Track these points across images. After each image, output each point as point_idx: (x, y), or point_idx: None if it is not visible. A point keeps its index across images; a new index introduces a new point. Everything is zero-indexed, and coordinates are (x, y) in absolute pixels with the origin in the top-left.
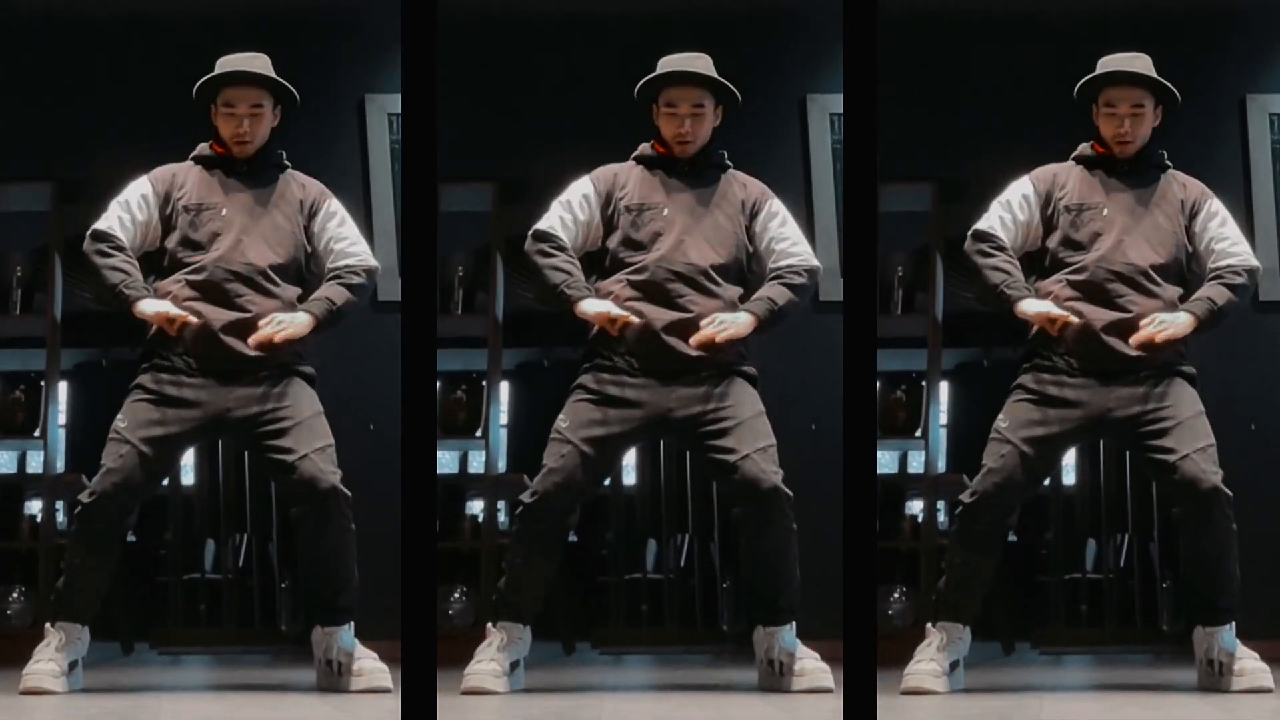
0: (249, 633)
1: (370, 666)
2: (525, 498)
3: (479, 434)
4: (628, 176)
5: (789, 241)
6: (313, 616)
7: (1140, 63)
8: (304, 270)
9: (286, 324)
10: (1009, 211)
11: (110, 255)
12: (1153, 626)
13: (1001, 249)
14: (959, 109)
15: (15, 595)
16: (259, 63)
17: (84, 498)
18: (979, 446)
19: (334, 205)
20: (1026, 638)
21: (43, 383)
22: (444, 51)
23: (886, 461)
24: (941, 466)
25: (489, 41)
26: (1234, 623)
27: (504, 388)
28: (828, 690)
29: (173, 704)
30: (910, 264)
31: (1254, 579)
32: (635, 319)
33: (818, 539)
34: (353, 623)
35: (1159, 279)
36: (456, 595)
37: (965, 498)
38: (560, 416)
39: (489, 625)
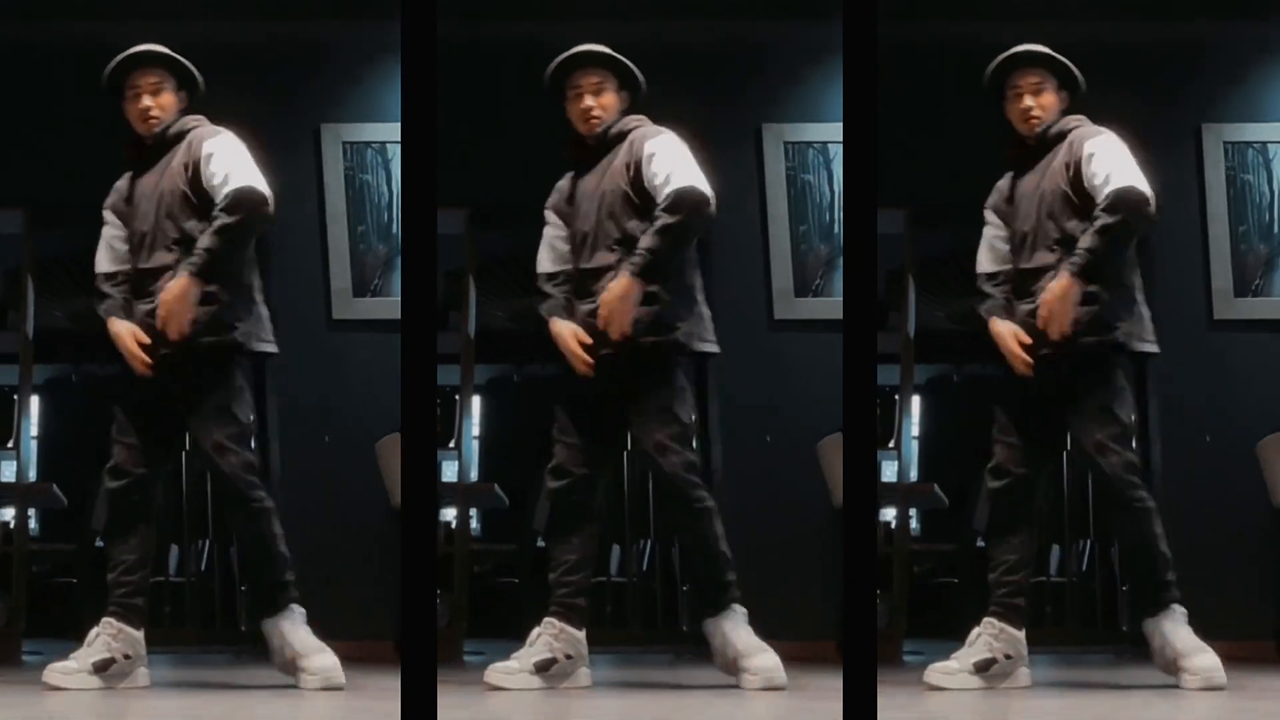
0: (211, 633)
1: (320, 664)
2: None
3: (452, 445)
4: (563, 186)
5: (658, 178)
6: (251, 610)
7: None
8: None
9: (167, 299)
10: (991, 239)
11: (103, 288)
12: (1113, 627)
13: (993, 277)
14: (931, 137)
15: None
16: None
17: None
18: (949, 456)
19: (210, 146)
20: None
21: (15, 396)
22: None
23: None
24: (914, 475)
25: (460, 70)
26: (1175, 609)
27: (476, 401)
28: (780, 688)
29: (139, 701)
30: (884, 284)
31: (1210, 582)
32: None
33: (771, 543)
34: (296, 611)
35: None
36: None
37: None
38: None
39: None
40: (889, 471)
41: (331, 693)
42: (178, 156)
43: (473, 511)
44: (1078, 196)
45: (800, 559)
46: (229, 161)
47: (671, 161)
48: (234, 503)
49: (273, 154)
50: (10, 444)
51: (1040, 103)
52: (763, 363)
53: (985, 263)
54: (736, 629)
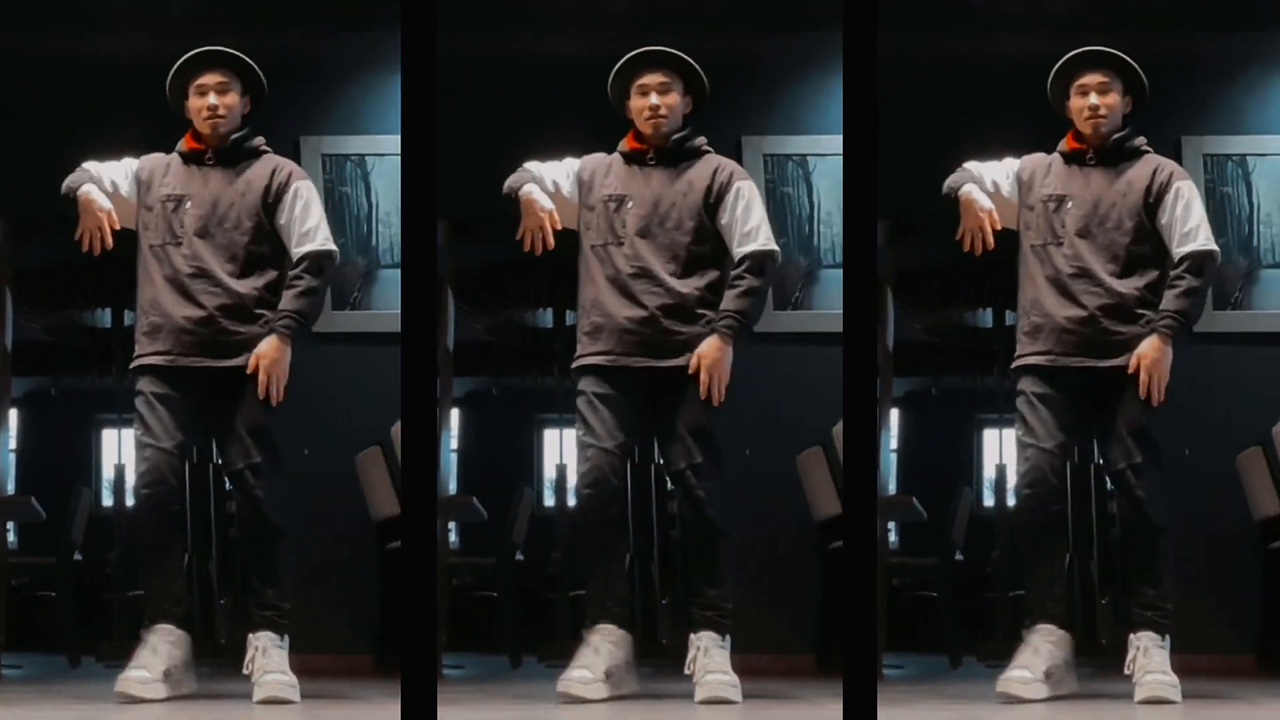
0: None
1: (275, 680)
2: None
3: None
4: (610, 166)
5: (744, 226)
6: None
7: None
8: (272, 254)
9: (266, 363)
10: (987, 179)
11: (90, 170)
12: (1092, 640)
13: (968, 172)
14: (912, 151)
15: None
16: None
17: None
18: (927, 468)
19: (302, 188)
20: (973, 652)
21: None
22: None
23: None
24: (892, 488)
25: (442, 82)
26: (1161, 636)
27: (454, 414)
28: (730, 702)
29: (119, 714)
30: None
31: (1190, 596)
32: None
33: (751, 557)
34: (278, 635)
35: (1115, 275)
36: None
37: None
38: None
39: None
40: None
41: (285, 705)
42: (258, 176)
43: (451, 525)
44: (1151, 223)
45: (780, 573)
46: (315, 214)
47: (759, 216)
48: (261, 525)
49: None
50: None
51: (1106, 102)
52: (742, 376)
53: (971, 169)
54: (710, 650)
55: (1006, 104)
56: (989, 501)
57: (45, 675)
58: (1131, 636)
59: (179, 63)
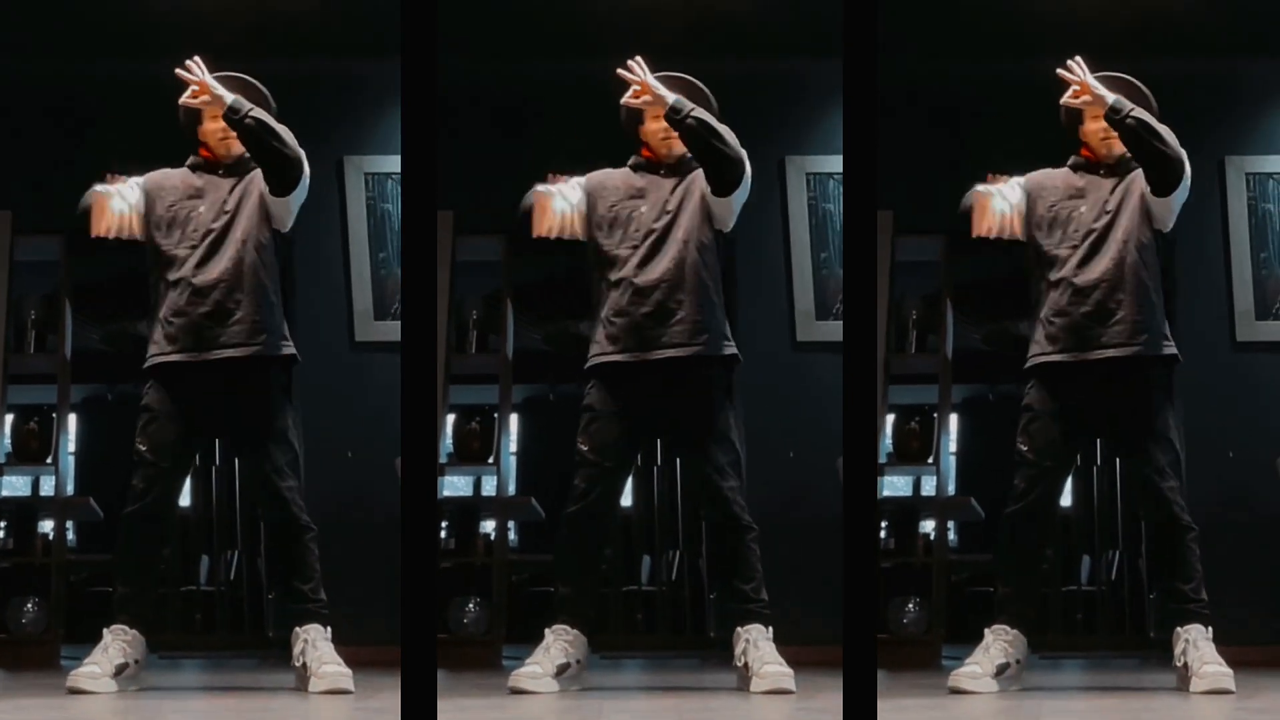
0: (239, 639)
1: (331, 670)
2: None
3: (491, 461)
4: (619, 176)
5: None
6: (280, 620)
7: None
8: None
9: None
10: (999, 190)
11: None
12: (1141, 634)
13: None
14: (968, 169)
15: (29, 606)
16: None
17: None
18: (985, 471)
19: None
20: (1030, 644)
21: (54, 414)
22: (456, 119)
23: (901, 486)
24: (951, 490)
25: (496, 106)
26: (1201, 627)
27: (514, 419)
28: (788, 692)
29: (172, 703)
30: (923, 308)
31: (1233, 593)
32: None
33: (793, 554)
34: (323, 627)
35: (1132, 282)
36: (471, 606)
37: (1008, 509)
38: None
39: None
40: (928, 486)
41: (342, 695)
42: (257, 179)
43: (510, 524)
44: (1149, 208)
45: (821, 570)
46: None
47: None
48: (287, 525)
49: None
50: (49, 460)
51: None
52: (786, 381)
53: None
54: (758, 642)
55: (1054, 128)
56: None
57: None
58: (1178, 630)
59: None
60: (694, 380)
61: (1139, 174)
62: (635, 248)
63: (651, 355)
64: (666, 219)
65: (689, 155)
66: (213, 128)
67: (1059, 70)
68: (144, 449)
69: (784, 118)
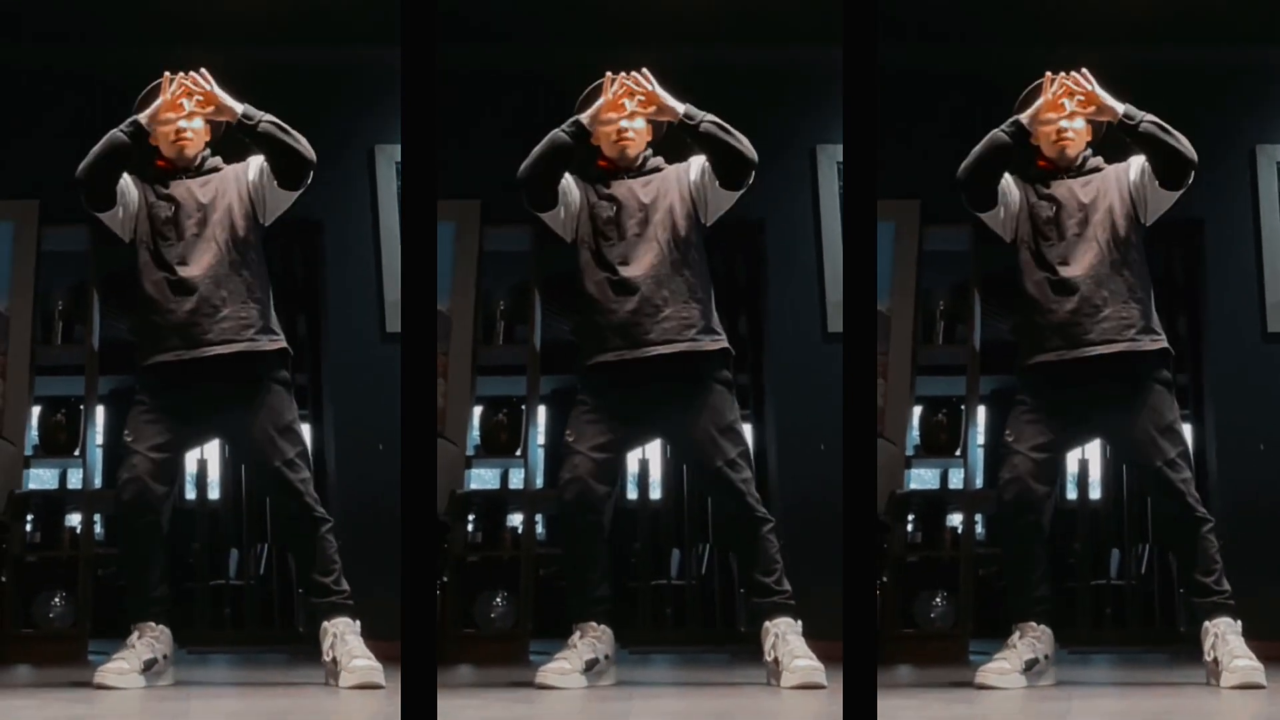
0: (269, 633)
1: (361, 664)
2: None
3: (519, 453)
4: (587, 186)
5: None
6: (308, 614)
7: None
8: (261, 233)
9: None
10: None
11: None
12: (1171, 628)
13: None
14: None
15: (57, 600)
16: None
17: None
18: None
19: (255, 159)
20: (1057, 639)
21: (82, 407)
22: (483, 109)
23: (929, 478)
24: (979, 483)
25: (525, 96)
26: (1228, 619)
27: (541, 411)
28: (819, 686)
29: (200, 700)
30: (951, 299)
31: (1265, 586)
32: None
33: (824, 547)
34: (351, 619)
35: (1107, 267)
36: (498, 600)
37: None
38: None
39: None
40: (956, 479)
41: (373, 690)
42: (229, 173)
43: (538, 517)
44: (1132, 195)
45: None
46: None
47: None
48: (300, 517)
49: (330, 174)
50: (77, 452)
51: (1074, 126)
52: (817, 372)
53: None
54: (787, 635)
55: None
56: (1071, 495)
57: None
58: (1206, 624)
59: (145, 90)
60: (687, 376)
61: (1110, 171)
62: (614, 247)
63: (639, 354)
64: (640, 217)
65: (646, 153)
66: (164, 131)
67: (1065, 82)
68: (130, 440)
69: (815, 107)
